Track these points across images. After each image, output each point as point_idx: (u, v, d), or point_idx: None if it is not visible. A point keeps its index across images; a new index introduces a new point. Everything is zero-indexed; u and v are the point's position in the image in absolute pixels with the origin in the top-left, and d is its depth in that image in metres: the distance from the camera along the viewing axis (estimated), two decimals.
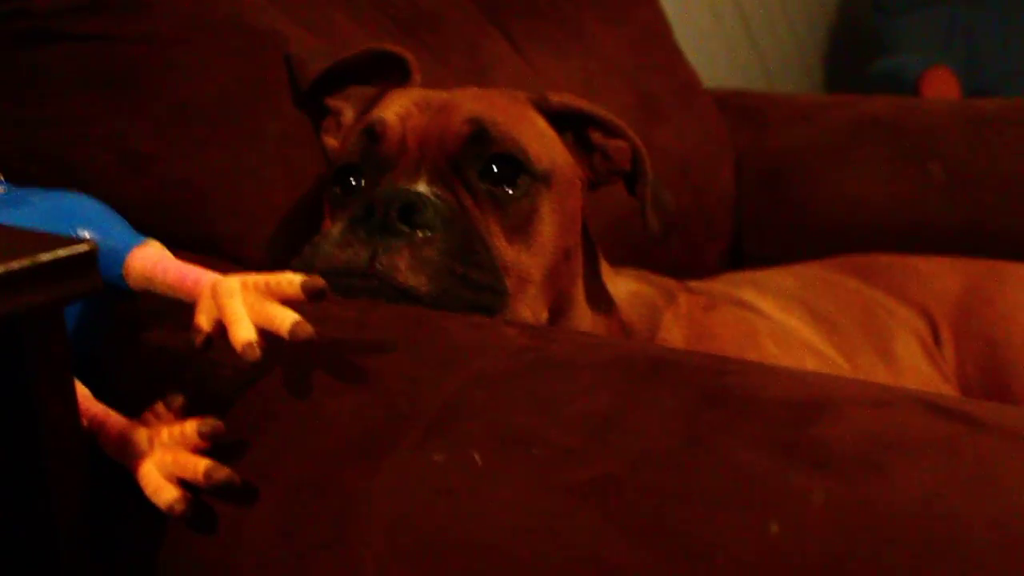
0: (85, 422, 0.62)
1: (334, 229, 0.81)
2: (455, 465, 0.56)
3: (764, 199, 1.61)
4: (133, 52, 0.93)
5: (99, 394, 0.66)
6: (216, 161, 0.93)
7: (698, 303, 1.08)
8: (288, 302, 0.61)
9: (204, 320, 0.62)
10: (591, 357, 0.62)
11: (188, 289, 0.64)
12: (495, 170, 0.86)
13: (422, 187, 0.84)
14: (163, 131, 0.92)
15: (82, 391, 0.64)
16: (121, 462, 0.61)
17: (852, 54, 3.22)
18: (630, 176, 0.96)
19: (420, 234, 0.79)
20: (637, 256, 1.28)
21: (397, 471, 0.56)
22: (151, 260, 0.66)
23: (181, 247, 0.86)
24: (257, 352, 0.59)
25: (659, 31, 1.64)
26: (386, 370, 0.63)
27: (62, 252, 0.53)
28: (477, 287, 0.80)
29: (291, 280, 0.62)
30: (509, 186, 0.86)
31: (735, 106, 1.68)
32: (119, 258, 0.66)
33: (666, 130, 1.51)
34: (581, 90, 1.42)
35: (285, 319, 0.60)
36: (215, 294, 0.62)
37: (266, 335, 0.60)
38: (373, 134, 0.88)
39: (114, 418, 0.63)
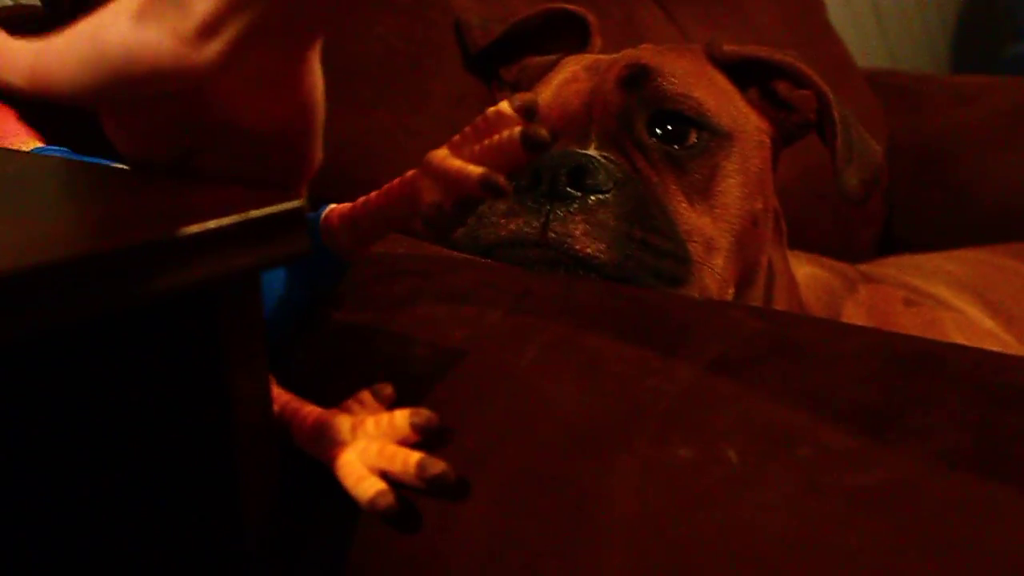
0: (276, 409, 0.56)
1: (499, 201, 0.75)
2: (706, 462, 0.49)
3: (919, 183, 1.52)
4: None
5: (279, 372, 0.61)
6: (381, 122, 0.88)
7: (894, 296, 0.99)
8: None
9: (428, 197, 0.55)
10: (841, 345, 0.55)
11: (396, 191, 0.57)
12: (669, 128, 0.79)
13: (591, 152, 0.77)
14: (327, 89, 0.86)
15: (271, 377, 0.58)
16: (315, 453, 0.55)
17: (981, 39, 3.09)
18: (821, 128, 0.87)
19: (593, 198, 0.72)
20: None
21: (639, 466, 0.49)
22: (345, 207, 0.60)
23: None
24: (502, 180, 0.52)
25: (813, 6, 1.55)
26: (608, 353, 0.56)
27: (273, 208, 0.47)
28: (659, 253, 0.73)
29: (500, 105, 0.55)
30: (686, 145, 0.79)
31: (888, 86, 1.60)
32: (314, 225, 0.61)
33: None
34: None
35: (512, 132, 0.53)
36: (427, 168, 0.55)
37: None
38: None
39: (309, 406, 0.56)
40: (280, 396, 0.58)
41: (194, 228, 0.45)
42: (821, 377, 0.51)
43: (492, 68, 0.97)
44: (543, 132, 0.53)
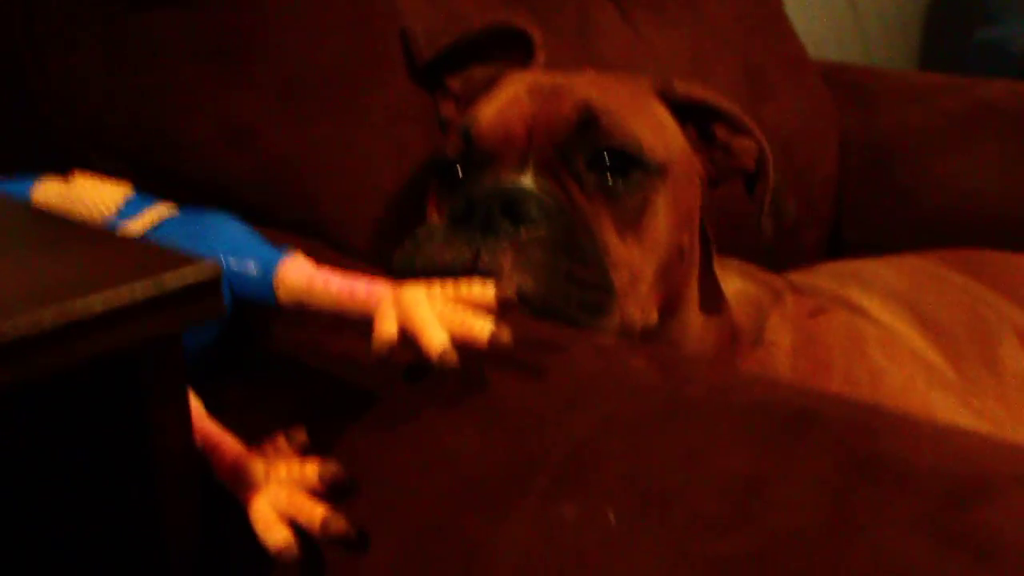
0: (199, 440, 0.59)
1: (435, 227, 0.78)
2: (588, 522, 0.52)
3: (868, 183, 1.55)
4: (242, 20, 0.90)
5: (209, 399, 0.64)
6: (322, 138, 0.90)
7: (806, 307, 1.03)
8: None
9: (388, 327, 0.59)
10: (730, 401, 0.58)
11: (360, 301, 0.61)
12: (606, 161, 0.82)
13: (527, 180, 0.80)
14: (269, 104, 0.89)
15: (196, 407, 0.61)
16: (232, 491, 0.59)
17: (955, 24, 3.11)
18: (752, 177, 0.92)
19: (524, 232, 0.75)
20: (729, 238, 1.24)
21: (526, 521, 0.53)
22: (307, 271, 0.63)
23: (283, 230, 0.84)
24: (454, 357, 0.57)
25: (768, 1, 1.57)
26: (510, 404, 0.59)
27: (187, 275, 0.50)
28: (584, 285, 0.76)
29: (484, 290, 0.60)
30: (621, 178, 0.82)
31: (841, 82, 1.61)
32: (268, 271, 0.63)
33: (772, 106, 1.45)
34: (688, 61, 1.37)
35: (483, 326, 0.58)
36: (399, 302, 0.60)
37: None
38: (468, 137, 0.85)
39: (229, 442, 0.60)
40: (203, 428, 0.61)
41: (108, 298, 0.47)
42: (702, 439, 0.55)
43: (438, 77, 0.99)
44: (509, 340, 0.59)
